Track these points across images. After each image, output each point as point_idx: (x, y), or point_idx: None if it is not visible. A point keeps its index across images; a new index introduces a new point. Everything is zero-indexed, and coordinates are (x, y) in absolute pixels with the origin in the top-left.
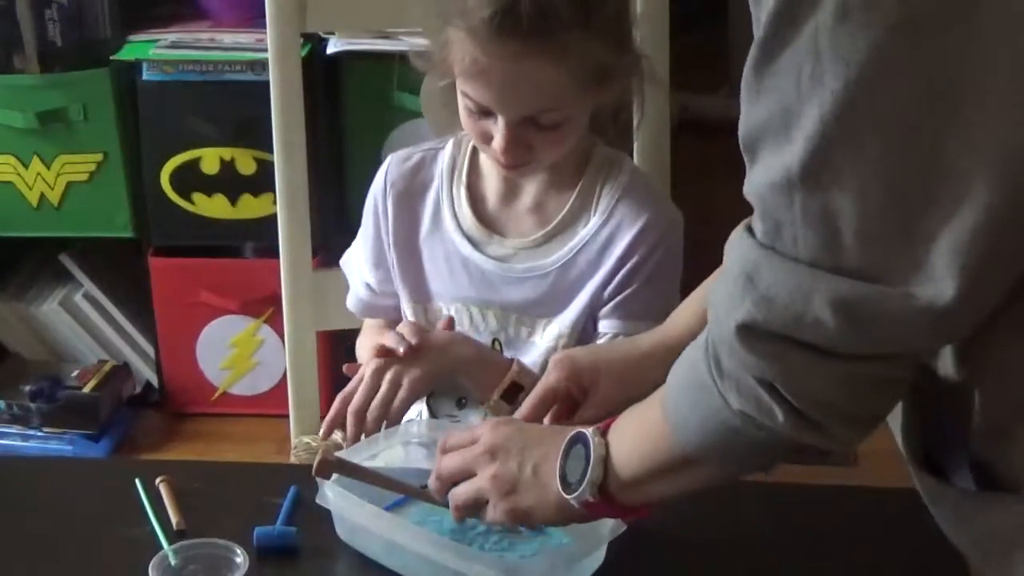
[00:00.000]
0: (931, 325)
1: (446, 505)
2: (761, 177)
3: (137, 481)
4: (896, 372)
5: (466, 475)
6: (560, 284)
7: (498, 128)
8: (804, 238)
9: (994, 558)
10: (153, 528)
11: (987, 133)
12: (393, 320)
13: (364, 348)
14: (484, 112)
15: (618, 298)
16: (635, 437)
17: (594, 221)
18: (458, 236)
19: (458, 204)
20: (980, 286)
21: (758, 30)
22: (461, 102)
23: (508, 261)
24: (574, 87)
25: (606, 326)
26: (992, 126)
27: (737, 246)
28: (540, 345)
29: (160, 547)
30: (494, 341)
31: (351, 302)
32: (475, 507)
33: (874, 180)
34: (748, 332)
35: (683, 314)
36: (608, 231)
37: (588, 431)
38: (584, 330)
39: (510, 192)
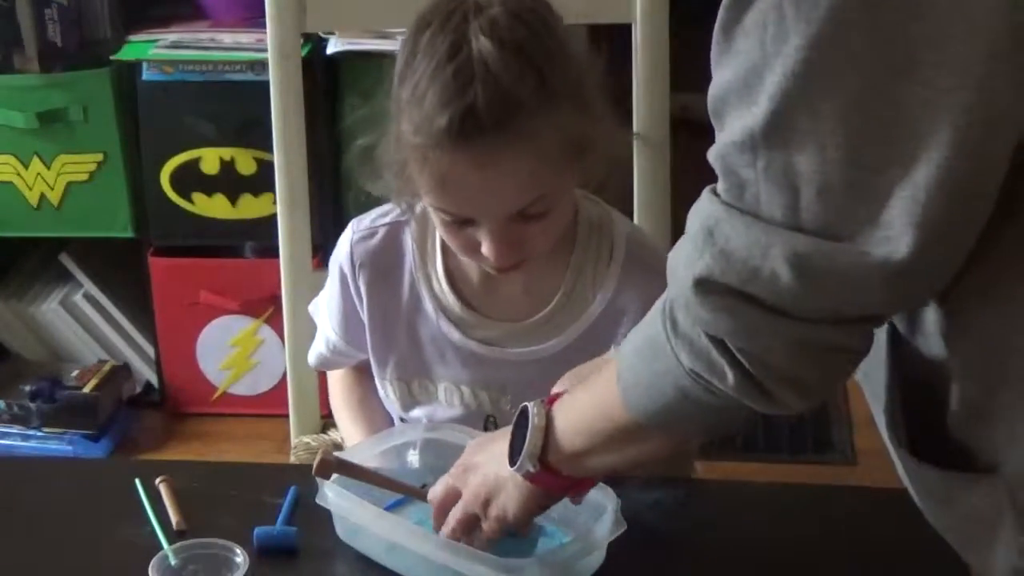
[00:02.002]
0: (885, 283)
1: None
2: (725, 137)
3: (137, 481)
4: (847, 340)
5: (456, 498)
6: (562, 367)
7: (484, 234)
8: (765, 196)
9: (973, 540)
10: (153, 528)
11: (943, 92)
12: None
13: (345, 426)
14: (465, 222)
15: None
16: (583, 406)
17: (599, 300)
18: (441, 318)
19: (437, 285)
20: (935, 244)
21: None
22: (436, 217)
23: (500, 344)
24: (553, 169)
25: None
26: (948, 85)
27: (699, 206)
28: None
29: (160, 547)
30: (488, 419)
31: (313, 358)
32: (468, 526)
33: (833, 138)
34: (705, 286)
35: None
36: (618, 308)
37: (531, 403)
38: None
39: (491, 272)
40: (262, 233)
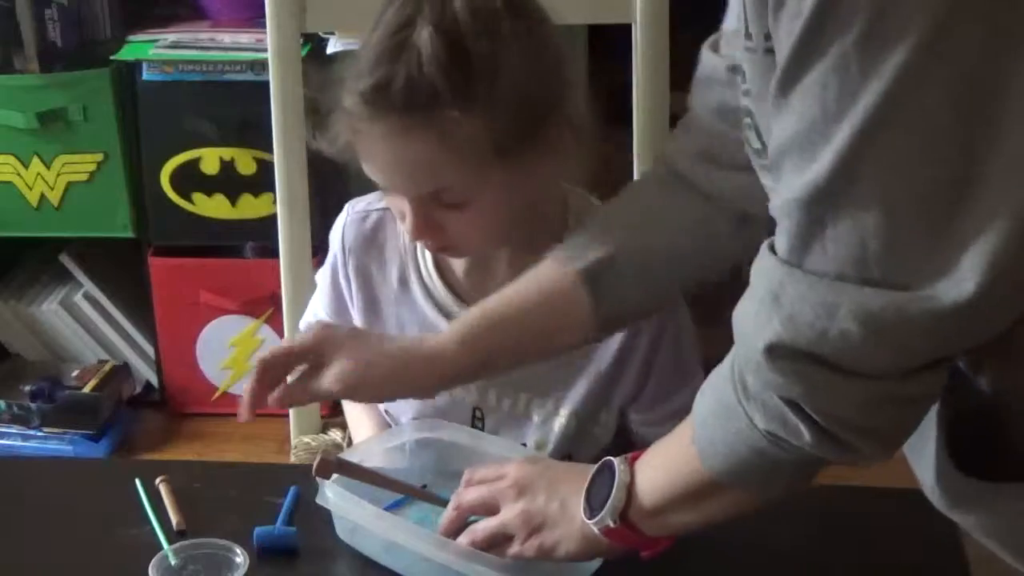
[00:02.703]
0: (956, 326)
1: (446, 503)
2: (786, 194)
3: (137, 481)
4: (919, 388)
5: (488, 509)
6: (552, 361)
7: (405, 207)
8: (833, 253)
9: None
10: (153, 528)
11: (1017, 139)
12: None
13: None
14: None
15: (655, 370)
16: (662, 463)
17: None
18: (429, 305)
19: (425, 272)
20: (1004, 282)
21: (781, 52)
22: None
23: None
24: (465, 166)
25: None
26: (1021, 131)
27: (760, 265)
28: (532, 422)
29: (160, 547)
30: (475, 411)
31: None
32: (495, 541)
33: (904, 191)
34: (775, 351)
35: (453, 328)
36: None
37: (616, 459)
38: (592, 419)
39: (477, 262)
40: (262, 233)
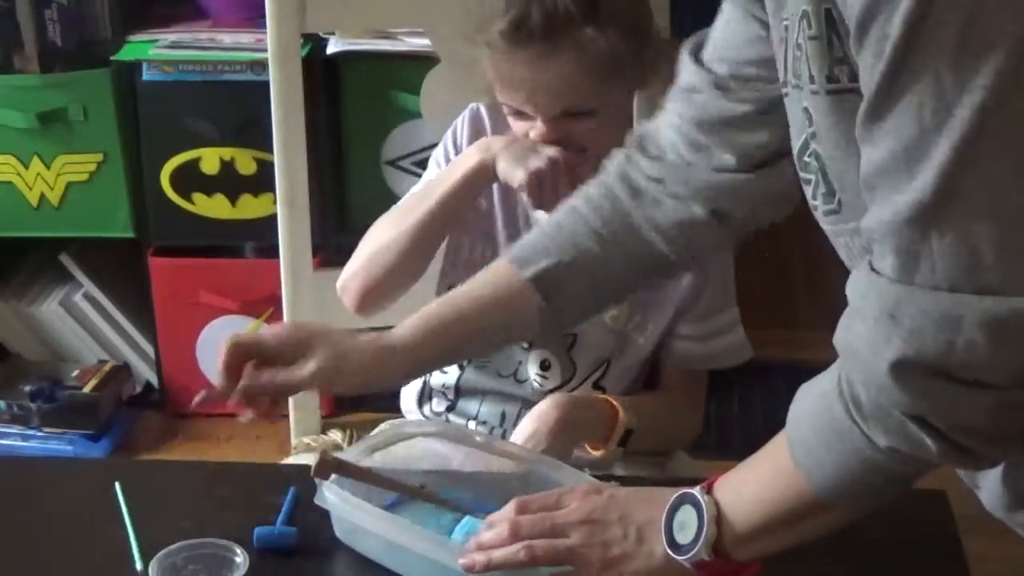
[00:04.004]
0: None
1: (445, 503)
2: (888, 214)
3: (117, 485)
4: None
5: (551, 536)
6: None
7: (536, 127)
8: (943, 266)
9: None
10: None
11: None
12: None
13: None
14: (521, 114)
15: (705, 290)
16: (755, 490)
17: None
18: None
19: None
20: None
21: (871, 77)
22: (505, 111)
23: None
24: (594, 79)
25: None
26: None
27: (866, 287)
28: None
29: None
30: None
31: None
32: (556, 561)
33: (1009, 196)
34: (901, 368)
35: (414, 322)
36: None
37: (695, 491)
38: (640, 327)
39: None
40: (262, 233)
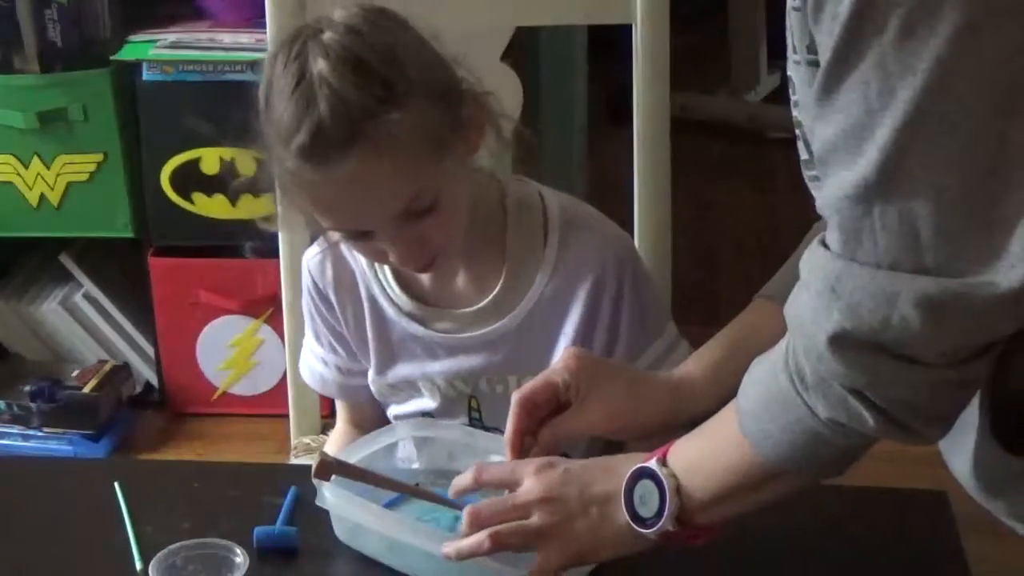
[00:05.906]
0: (1013, 310)
1: (444, 501)
2: (835, 191)
3: (117, 484)
4: (975, 374)
5: (513, 519)
6: (527, 340)
7: (384, 242)
8: (884, 243)
9: None
10: (127, 531)
11: None
12: (364, 405)
13: None
14: (361, 235)
15: (622, 330)
16: (708, 459)
17: (541, 276)
18: (402, 319)
19: (390, 290)
20: None
21: (823, 55)
22: (335, 237)
23: (460, 332)
24: (419, 164)
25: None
26: None
27: (814, 260)
28: None
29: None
30: (470, 399)
31: (313, 379)
32: (526, 542)
33: (949, 179)
34: (839, 342)
35: (705, 356)
36: (562, 277)
37: (652, 464)
38: None
39: (437, 271)
40: (262, 233)
